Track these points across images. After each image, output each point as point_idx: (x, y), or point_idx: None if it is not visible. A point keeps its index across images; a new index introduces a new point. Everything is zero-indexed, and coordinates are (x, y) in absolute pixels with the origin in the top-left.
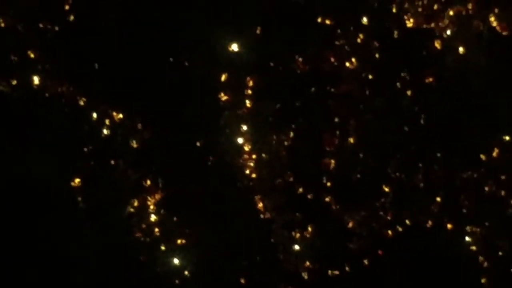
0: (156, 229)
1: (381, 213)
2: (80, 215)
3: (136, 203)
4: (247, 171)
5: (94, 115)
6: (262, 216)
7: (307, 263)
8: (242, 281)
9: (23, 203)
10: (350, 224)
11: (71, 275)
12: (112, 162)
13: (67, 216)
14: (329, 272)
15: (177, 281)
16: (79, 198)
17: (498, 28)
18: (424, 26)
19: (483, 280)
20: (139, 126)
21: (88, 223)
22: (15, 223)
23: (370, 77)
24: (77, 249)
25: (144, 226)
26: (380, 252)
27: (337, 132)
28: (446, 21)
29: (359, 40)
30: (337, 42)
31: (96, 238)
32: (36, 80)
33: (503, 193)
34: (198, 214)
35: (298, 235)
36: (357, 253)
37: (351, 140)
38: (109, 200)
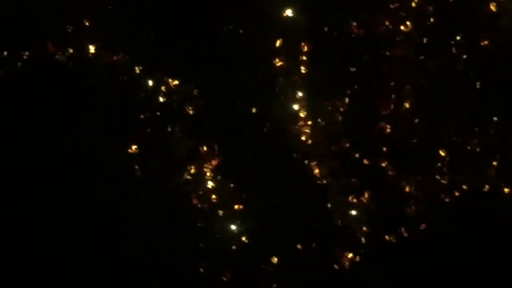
0: (213, 196)
1: (438, 177)
2: (137, 183)
3: (192, 170)
4: (303, 137)
5: (150, 82)
6: (318, 182)
7: (364, 228)
8: (299, 246)
9: (81, 171)
10: (407, 189)
11: (128, 243)
12: (169, 128)
13: (124, 184)
14: (386, 237)
15: (234, 247)
16: (136, 166)
17: None
18: None
19: None
20: (195, 92)
21: (145, 191)
22: (73, 191)
23: (425, 41)
24: (134, 217)
25: (200, 192)
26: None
27: (392, 97)
28: None
29: (413, 4)
30: (391, 6)
31: (153, 206)
32: (91, 49)
33: None
34: (255, 180)
35: (354, 200)
36: (414, 218)
37: (407, 104)
38: (165, 167)
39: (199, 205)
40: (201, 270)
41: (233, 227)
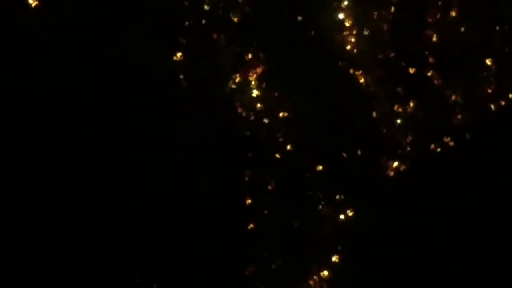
0: (258, 104)
1: (484, 86)
2: (182, 92)
3: (237, 78)
4: (348, 47)
5: None
6: (364, 90)
7: (409, 137)
8: (344, 155)
9: (125, 77)
10: (453, 98)
11: (171, 151)
12: (214, 36)
13: (169, 93)
14: (432, 146)
15: (278, 156)
16: (181, 76)
17: None
18: None
19: None
20: None
21: (190, 100)
22: (116, 99)
23: None
24: (178, 126)
25: (245, 101)
26: None
27: (439, 4)
28: None
29: None
30: None
31: (197, 115)
32: None
33: None
34: (300, 88)
35: (400, 109)
36: (460, 127)
37: (453, 13)
38: (210, 76)
39: (244, 114)
40: (246, 179)
41: (278, 135)
